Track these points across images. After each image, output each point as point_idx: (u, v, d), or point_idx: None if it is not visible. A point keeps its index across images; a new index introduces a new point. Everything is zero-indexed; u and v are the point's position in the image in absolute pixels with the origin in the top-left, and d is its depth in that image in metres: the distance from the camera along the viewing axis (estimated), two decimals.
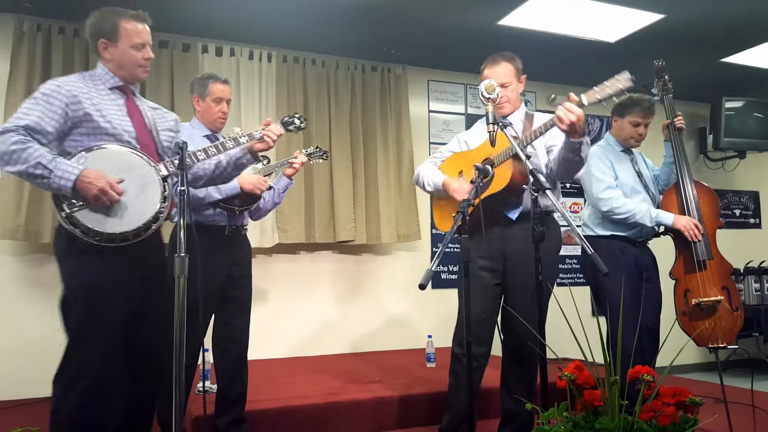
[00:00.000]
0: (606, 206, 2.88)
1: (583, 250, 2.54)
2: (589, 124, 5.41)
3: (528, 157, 2.14)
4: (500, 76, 2.45)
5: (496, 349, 2.49)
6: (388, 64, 4.69)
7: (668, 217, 2.88)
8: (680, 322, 2.84)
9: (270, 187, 2.69)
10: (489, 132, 2.02)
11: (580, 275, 4.84)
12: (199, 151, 2.12)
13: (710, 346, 2.82)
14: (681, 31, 4.12)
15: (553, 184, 2.50)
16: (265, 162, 2.70)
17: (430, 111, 4.95)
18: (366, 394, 3.09)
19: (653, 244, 3.05)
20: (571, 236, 5.15)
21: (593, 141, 3.25)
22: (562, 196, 4.86)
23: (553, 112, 2.12)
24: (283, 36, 4.19)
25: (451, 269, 4.80)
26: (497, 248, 2.44)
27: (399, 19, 3.94)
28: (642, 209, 2.87)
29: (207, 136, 2.67)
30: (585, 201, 3.10)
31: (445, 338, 2.80)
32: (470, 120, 4.95)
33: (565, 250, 5.21)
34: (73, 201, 1.86)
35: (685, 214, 2.90)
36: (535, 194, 1.97)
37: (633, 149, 3.08)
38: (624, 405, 1.44)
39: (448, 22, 3.99)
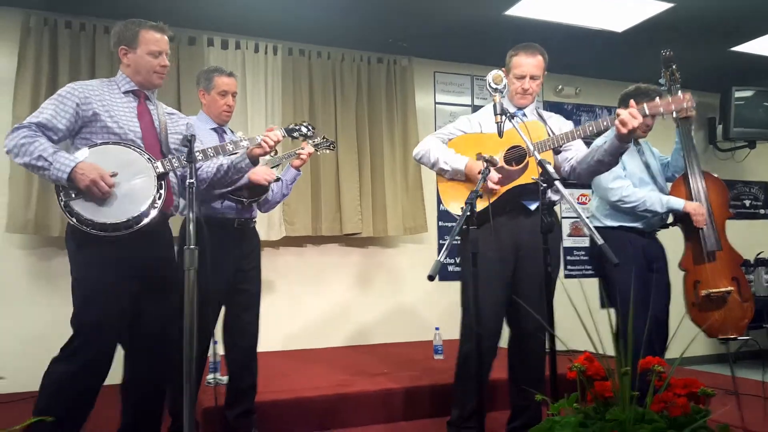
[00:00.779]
0: (616, 196, 2.86)
1: (592, 242, 2.55)
2: (597, 116, 5.37)
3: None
4: (535, 68, 2.47)
5: (502, 341, 2.48)
6: (394, 56, 4.67)
7: (679, 202, 2.87)
8: (690, 314, 2.83)
9: (278, 179, 2.69)
10: (497, 123, 2.02)
11: (589, 267, 4.82)
12: (198, 152, 2.14)
13: (720, 337, 2.81)
14: (689, 20, 4.07)
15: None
16: (272, 154, 2.70)
17: (436, 103, 4.93)
18: (373, 386, 3.11)
19: (662, 235, 3.03)
20: (579, 228, 5.12)
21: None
22: (570, 188, 4.83)
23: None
24: (289, 29, 4.18)
25: (458, 261, 4.80)
26: (509, 239, 2.42)
27: (405, 11, 3.92)
28: (652, 197, 2.85)
29: (214, 129, 2.68)
30: (592, 192, 3.08)
31: (452, 330, 2.80)
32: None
33: (573, 242, 5.20)
34: (70, 191, 1.99)
35: None
36: (545, 185, 1.96)
37: (640, 140, 3.06)
38: (635, 396, 1.43)
39: (454, 13, 3.95)
